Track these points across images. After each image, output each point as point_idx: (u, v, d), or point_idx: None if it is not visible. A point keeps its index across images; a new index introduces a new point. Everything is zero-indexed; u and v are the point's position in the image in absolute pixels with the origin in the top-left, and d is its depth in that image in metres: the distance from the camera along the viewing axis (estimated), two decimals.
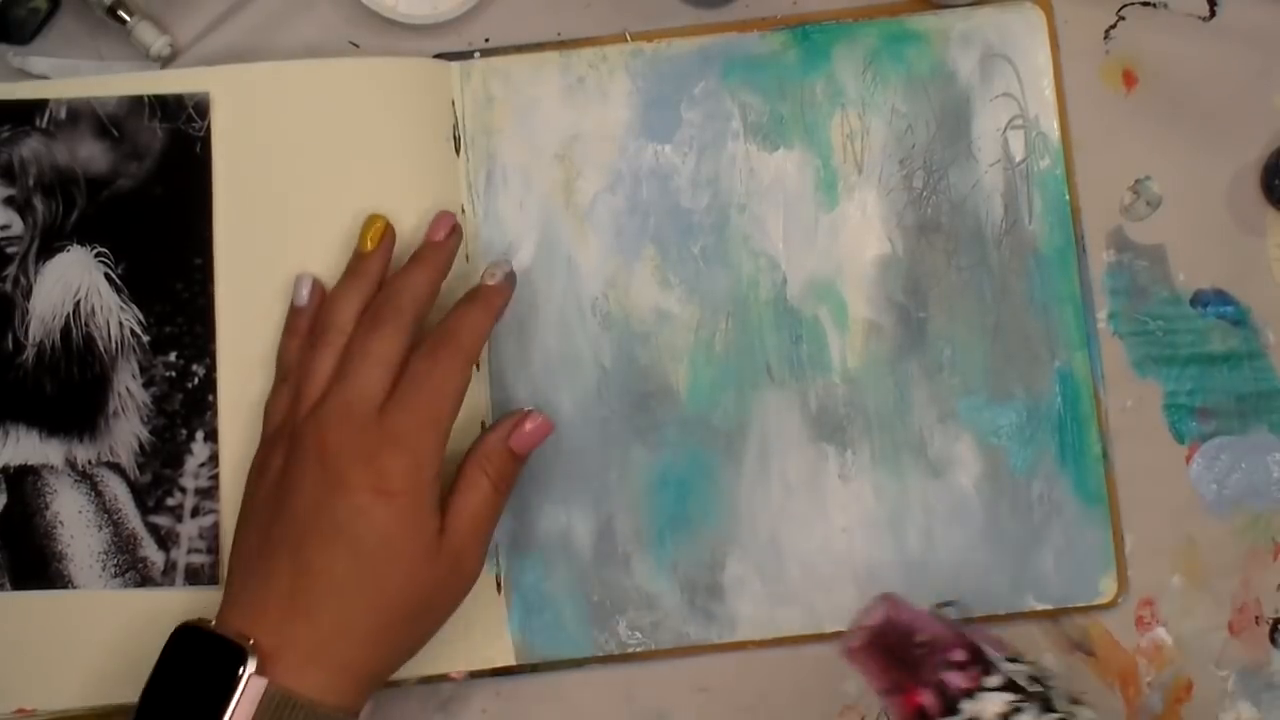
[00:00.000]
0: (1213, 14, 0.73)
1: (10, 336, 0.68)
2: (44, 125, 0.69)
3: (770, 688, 0.71)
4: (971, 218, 0.71)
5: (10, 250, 0.69)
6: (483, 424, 0.70)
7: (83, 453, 0.68)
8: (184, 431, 0.68)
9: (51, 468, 0.68)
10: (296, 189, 0.69)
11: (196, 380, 0.68)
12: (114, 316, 0.68)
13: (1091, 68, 0.73)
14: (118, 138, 0.69)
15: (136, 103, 0.69)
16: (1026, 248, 0.71)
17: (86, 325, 0.68)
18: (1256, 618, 0.71)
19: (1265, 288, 0.72)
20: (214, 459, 0.68)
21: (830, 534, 0.70)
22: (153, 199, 0.69)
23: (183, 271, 0.69)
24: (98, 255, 0.68)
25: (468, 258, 0.70)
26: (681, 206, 0.72)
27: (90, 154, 0.69)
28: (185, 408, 0.68)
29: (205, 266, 0.69)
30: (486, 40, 0.73)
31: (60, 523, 0.68)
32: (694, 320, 0.71)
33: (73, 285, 0.68)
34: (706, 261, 0.71)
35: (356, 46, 0.72)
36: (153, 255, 0.69)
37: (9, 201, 0.69)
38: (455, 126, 0.71)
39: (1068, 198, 0.71)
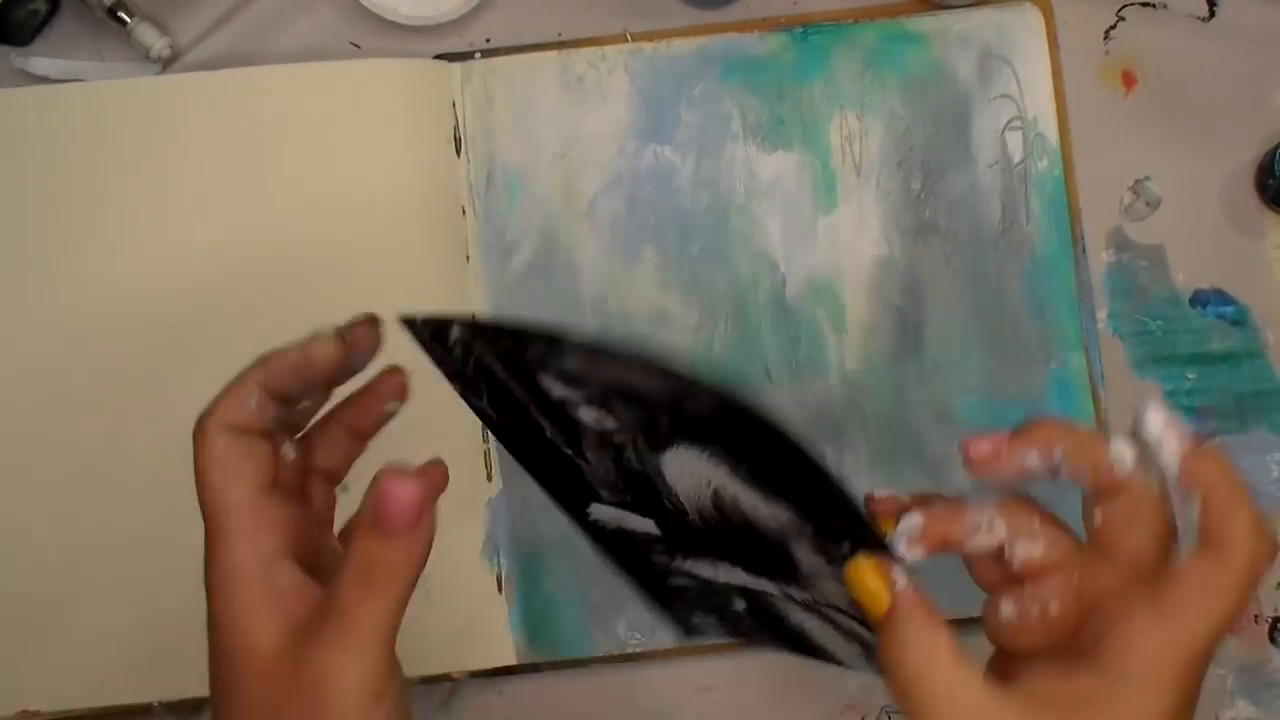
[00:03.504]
0: (1212, 14, 0.73)
1: (667, 500, 0.53)
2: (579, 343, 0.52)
3: (771, 687, 0.71)
4: (969, 219, 0.71)
5: (617, 439, 0.52)
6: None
7: (798, 593, 0.55)
8: None
9: (773, 596, 0.56)
10: (298, 191, 0.70)
11: None
12: (760, 509, 0.52)
13: (1091, 68, 0.73)
14: None
15: None
16: (1023, 249, 0.71)
17: (737, 510, 0.52)
18: (1256, 616, 0.71)
19: (1264, 288, 0.72)
20: None
21: None
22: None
23: (805, 473, 0.50)
24: (711, 457, 0.51)
25: (469, 258, 0.71)
26: (681, 207, 0.72)
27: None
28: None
29: (818, 467, 0.51)
30: (487, 41, 0.73)
31: (806, 629, 0.57)
32: (693, 321, 0.71)
33: (701, 478, 0.52)
34: (706, 262, 0.71)
35: (357, 47, 0.73)
36: (770, 459, 0.51)
37: (589, 400, 0.51)
38: (456, 127, 0.71)
39: (1065, 199, 0.71)
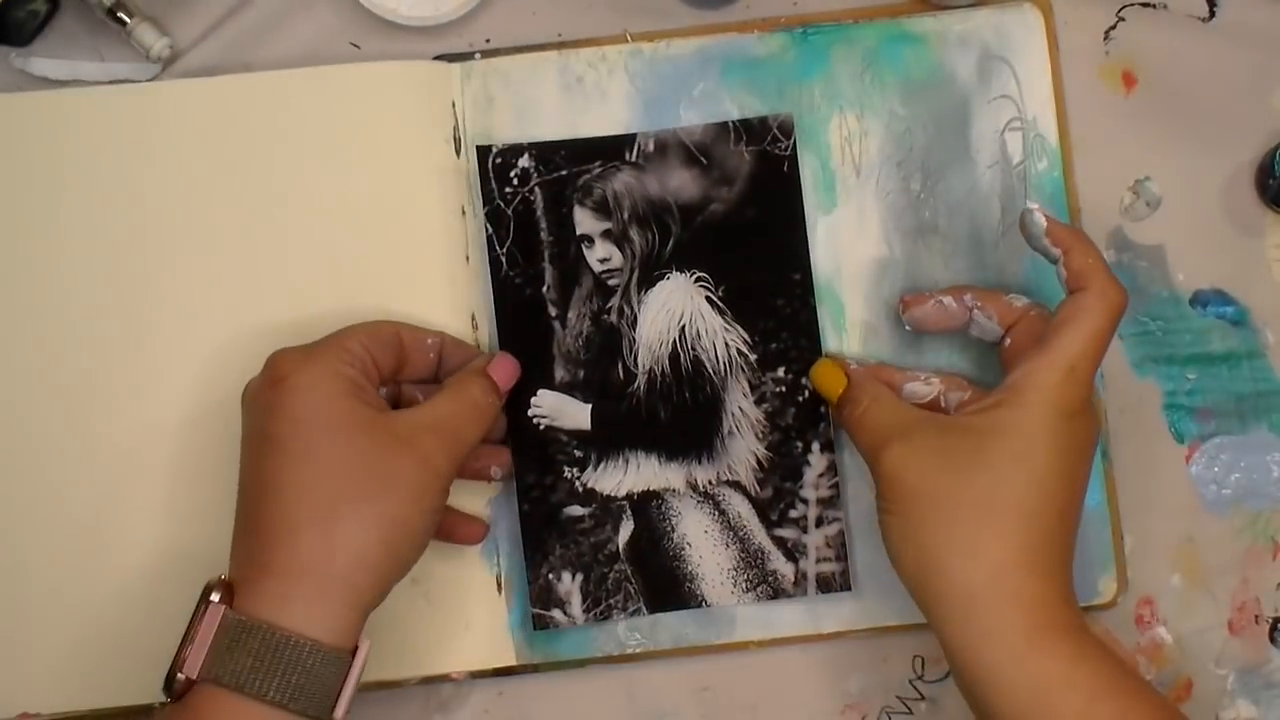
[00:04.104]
0: (1212, 14, 0.73)
1: (621, 366, 0.70)
2: (634, 158, 0.70)
3: (771, 687, 0.71)
4: (969, 220, 0.71)
5: (612, 282, 0.70)
6: None
7: (702, 474, 0.70)
8: (799, 445, 0.70)
9: (674, 491, 0.70)
10: (299, 193, 0.70)
11: (807, 393, 0.70)
12: (719, 338, 0.70)
13: (1091, 68, 0.73)
14: (706, 165, 0.70)
15: (722, 129, 0.71)
16: (1023, 250, 0.70)
17: (693, 349, 0.70)
18: (1256, 616, 0.71)
19: (1264, 288, 0.72)
20: (833, 469, 0.70)
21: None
22: (746, 221, 0.70)
23: (783, 288, 0.70)
24: (697, 280, 0.70)
25: (468, 258, 0.71)
26: None
27: (680, 182, 0.70)
28: (799, 421, 0.70)
29: (804, 282, 0.70)
30: (487, 41, 0.72)
31: (688, 544, 0.70)
32: None
33: (676, 311, 0.70)
34: None
35: (357, 48, 0.72)
36: (751, 275, 0.70)
37: (607, 235, 0.70)
38: (455, 128, 0.71)
39: (1065, 199, 0.71)
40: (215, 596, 0.57)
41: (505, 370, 0.66)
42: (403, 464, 0.60)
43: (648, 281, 0.70)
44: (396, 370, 0.66)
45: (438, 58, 0.72)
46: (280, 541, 0.58)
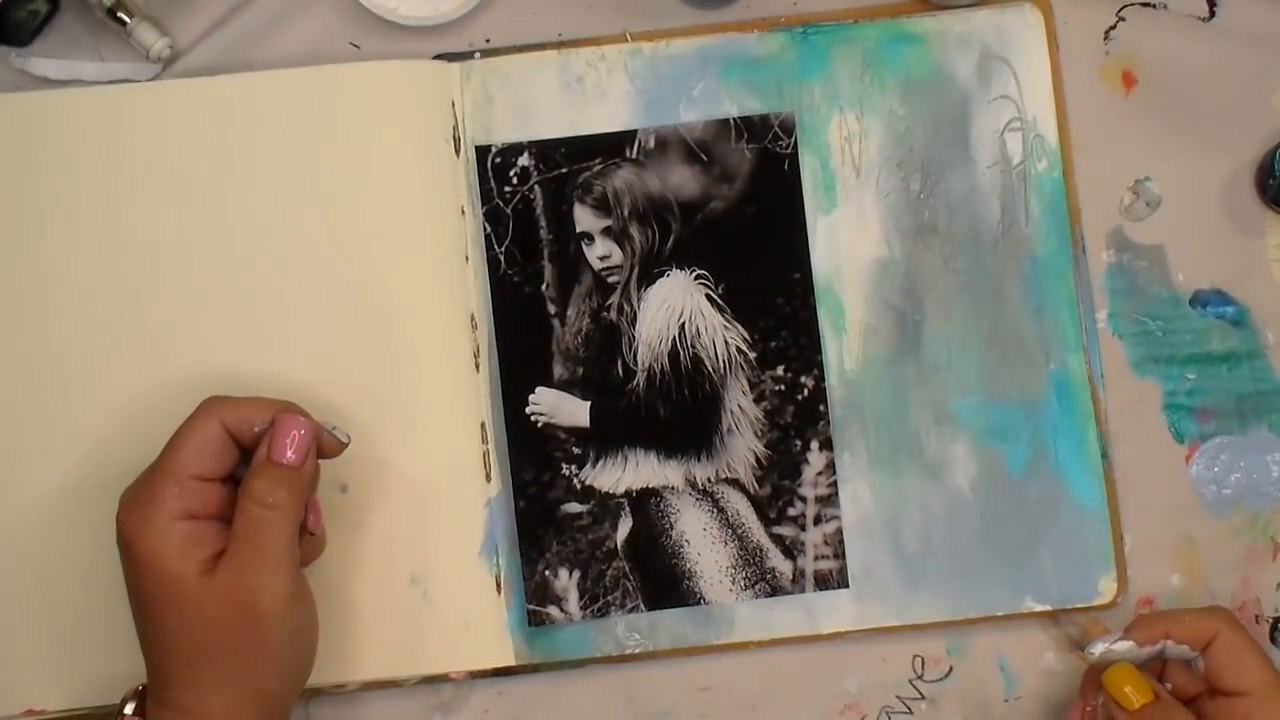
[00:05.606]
0: (1212, 14, 0.73)
1: (620, 364, 0.71)
2: (634, 155, 0.71)
3: (771, 687, 0.71)
4: (968, 220, 0.71)
5: (612, 280, 0.71)
6: (482, 425, 0.70)
7: (701, 471, 0.71)
8: (798, 443, 0.71)
9: (672, 488, 0.71)
10: (298, 193, 0.70)
11: (806, 392, 0.70)
12: (719, 336, 0.70)
13: (1091, 68, 0.73)
14: (707, 162, 0.71)
15: (723, 126, 0.71)
16: (1022, 250, 0.71)
17: (693, 346, 0.70)
18: (1256, 616, 0.72)
19: (1264, 288, 0.72)
20: (831, 467, 0.71)
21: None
22: (746, 219, 0.71)
23: (783, 287, 0.71)
24: (697, 278, 0.71)
25: (468, 258, 0.71)
26: None
27: (681, 179, 0.71)
28: (798, 419, 0.71)
29: (804, 280, 0.71)
30: (487, 41, 0.72)
31: (686, 541, 0.71)
32: None
33: (676, 308, 0.71)
34: None
35: (357, 48, 0.72)
36: (751, 273, 0.71)
37: (607, 232, 0.71)
38: (455, 127, 0.71)
39: (1064, 200, 0.71)
40: (129, 709, 0.62)
41: (282, 441, 0.61)
42: (235, 624, 0.59)
43: (648, 279, 0.71)
44: (236, 463, 0.63)
45: (437, 57, 0.72)
46: (164, 685, 0.61)
